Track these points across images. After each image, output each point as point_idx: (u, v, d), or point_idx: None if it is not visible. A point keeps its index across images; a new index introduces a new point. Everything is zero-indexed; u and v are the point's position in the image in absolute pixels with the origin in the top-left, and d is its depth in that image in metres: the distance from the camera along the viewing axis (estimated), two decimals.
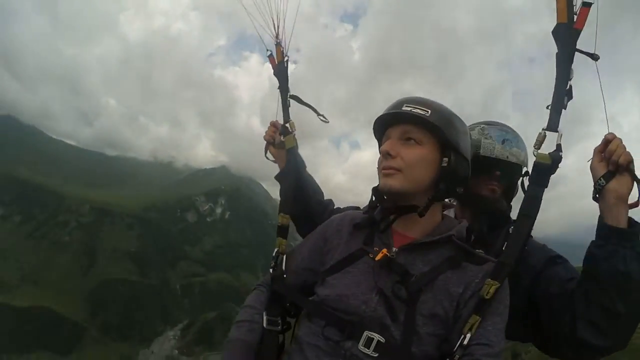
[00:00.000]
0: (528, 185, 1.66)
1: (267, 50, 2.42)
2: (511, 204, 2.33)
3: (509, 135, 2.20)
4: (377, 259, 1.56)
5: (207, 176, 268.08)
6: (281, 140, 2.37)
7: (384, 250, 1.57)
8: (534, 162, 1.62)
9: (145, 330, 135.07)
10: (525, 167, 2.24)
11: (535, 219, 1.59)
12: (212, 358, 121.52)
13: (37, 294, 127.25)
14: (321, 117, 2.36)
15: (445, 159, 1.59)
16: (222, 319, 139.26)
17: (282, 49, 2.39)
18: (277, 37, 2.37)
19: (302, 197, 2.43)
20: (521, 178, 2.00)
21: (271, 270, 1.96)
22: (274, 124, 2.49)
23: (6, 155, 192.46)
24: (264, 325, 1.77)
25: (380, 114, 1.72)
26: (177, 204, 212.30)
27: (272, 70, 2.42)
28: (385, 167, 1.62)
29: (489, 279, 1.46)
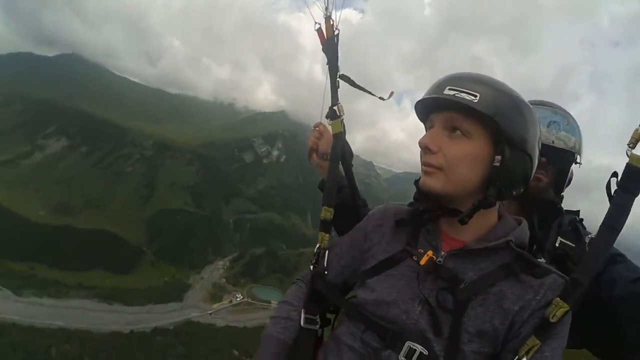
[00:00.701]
0: (615, 191, 1.37)
1: (316, 23, 2.07)
2: (562, 194, 2.06)
3: (556, 117, 1.93)
4: (422, 263, 1.38)
5: (266, 119, 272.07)
6: (328, 123, 2.09)
7: (430, 253, 1.38)
8: (626, 164, 1.35)
9: (197, 258, 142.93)
10: (577, 155, 1.98)
11: (620, 232, 1.34)
12: (255, 290, 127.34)
13: (99, 219, 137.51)
14: (380, 96, 2.04)
15: (498, 157, 1.32)
16: (268, 255, 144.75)
17: (332, 23, 2.04)
18: (326, 9, 2.02)
19: (351, 201, 2.19)
20: (608, 180, 1.51)
21: (312, 266, 1.77)
22: (317, 127, 2.25)
23: (72, 91, 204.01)
24: (301, 323, 1.62)
25: (422, 96, 1.43)
26: (235, 144, 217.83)
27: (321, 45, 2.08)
28: (424, 164, 1.40)
29: (558, 299, 1.25)
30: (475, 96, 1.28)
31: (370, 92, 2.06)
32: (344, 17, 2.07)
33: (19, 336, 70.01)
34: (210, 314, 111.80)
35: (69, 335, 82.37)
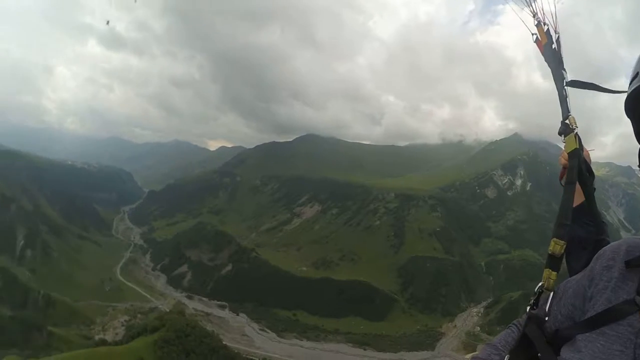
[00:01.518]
0: None
1: (533, 34, 1.94)
2: None
3: None
4: None
5: (500, 148, 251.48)
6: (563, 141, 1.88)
7: None
8: None
9: (449, 305, 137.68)
10: None
11: None
12: None
13: (354, 270, 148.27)
14: (613, 91, 1.74)
15: None
16: (525, 299, 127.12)
17: (545, 28, 1.88)
18: (534, 15, 1.87)
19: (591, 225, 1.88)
20: None
21: (528, 308, 1.59)
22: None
23: (316, 164, 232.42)
24: None
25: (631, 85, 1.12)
26: (474, 181, 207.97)
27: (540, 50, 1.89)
28: None
29: None
30: None
31: (606, 89, 1.75)
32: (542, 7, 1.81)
33: None
34: None
35: None
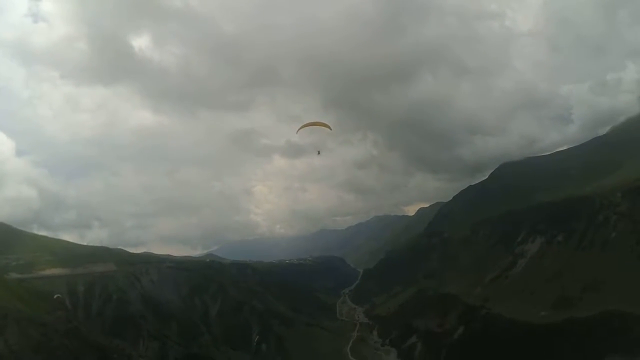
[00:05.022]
0: None
1: None
2: None
3: None
4: None
5: None
6: None
7: None
8: None
9: None
10: None
11: None
12: None
13: (601, 300, 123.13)
14: None
15: None
16: None
17: None
18: None
19: None
20: None
21: None
22: None
23: (522, 192, 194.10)
24: None
25: None
26: None
27: None
28: None
29: None
30: None
31: None
32: None
33: None
34: None
35: None
